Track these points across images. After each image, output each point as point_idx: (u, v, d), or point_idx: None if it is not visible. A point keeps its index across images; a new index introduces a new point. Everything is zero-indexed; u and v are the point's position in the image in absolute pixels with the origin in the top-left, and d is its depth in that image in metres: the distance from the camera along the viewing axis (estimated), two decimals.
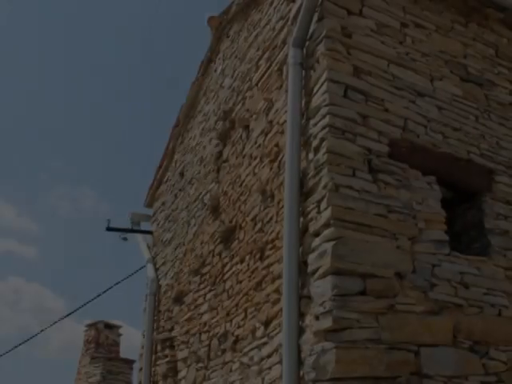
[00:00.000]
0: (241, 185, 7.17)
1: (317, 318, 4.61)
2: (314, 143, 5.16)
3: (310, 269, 4.85)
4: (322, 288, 4.61)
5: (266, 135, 6.56)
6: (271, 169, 6.21)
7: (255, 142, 6.90)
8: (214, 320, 7.25)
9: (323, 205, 4.84)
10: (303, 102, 5.56)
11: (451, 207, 5.73)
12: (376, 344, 4.44)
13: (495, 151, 5.93)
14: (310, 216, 5.05)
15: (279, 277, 5.44)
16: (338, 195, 4.80)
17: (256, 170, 6.71)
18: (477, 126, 5.94)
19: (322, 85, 5.27)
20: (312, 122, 5.32)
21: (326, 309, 4.48)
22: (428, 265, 4.96)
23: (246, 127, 7.35)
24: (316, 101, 5.31)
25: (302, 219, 5.16)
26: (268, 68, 6.94)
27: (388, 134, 5.30)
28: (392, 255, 4.80)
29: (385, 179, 5.08)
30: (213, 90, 9.35)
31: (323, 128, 5.08)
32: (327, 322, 4.45)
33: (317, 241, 4.84)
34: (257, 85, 7.26)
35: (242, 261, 6.70)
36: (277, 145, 6.16)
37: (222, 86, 8.83)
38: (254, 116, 7.11)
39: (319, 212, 4.90)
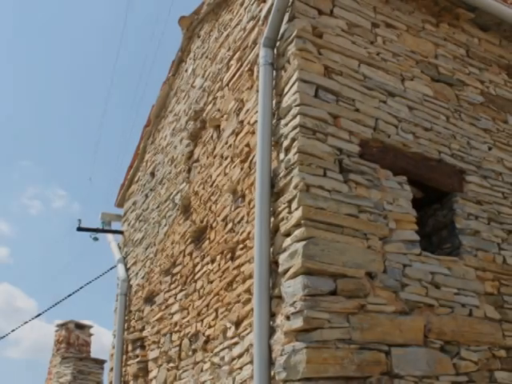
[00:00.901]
0: (212, 185, 7.14)
1: (288, 318, 4.59)
2: (285, 143, 5.15)
3: (280, 269, 4.83)
4: (292, 288, 4.59)
5: (237, 135, 6.54)
6: (242, 169, 6.20)
7: (226, 142, 6.88)
8: (185, 320, 7.21)
9: (294, 205, 4.82)
10: (274, 102, 5.54)
11: (422, 207, 5.75)
12: (347, 344, 4.43)
13: (466, 151, 5.95)
14: (280, 216, 5.03)
15: (250, 277, 5.42)
16: (308, 195, 4.78)
17: (227, 170, 6.69)
18: (448, 126, 5.96)
19: (292, 85, 5.26)
20: (283, 122, 5.30)
21: (297, 309, 4.46)
22: (399, 265, 4.96)
23: (217, 127, 7.33)
24: (287, 101, 5.30)
25: (272, 219, 5.14)
26: (239, 68, 6.93)
27: (359, 134, 5.30)
28: (363, 255, 4.80)
29: (356, 179, 5.07)
30: (184, 90, 9.32)
31: (294, 128, 5.06)
32: (298, 322, 4.43)
33: (288, 241, 4.82)
34: (227, 85, 7.24)
35: (212, 261, 6.67)
36: (248, 145, 6.15)
37: (193, 86, 8.81)
38: (225, 116, 7.09)
39: (290, 212, 4.88)
